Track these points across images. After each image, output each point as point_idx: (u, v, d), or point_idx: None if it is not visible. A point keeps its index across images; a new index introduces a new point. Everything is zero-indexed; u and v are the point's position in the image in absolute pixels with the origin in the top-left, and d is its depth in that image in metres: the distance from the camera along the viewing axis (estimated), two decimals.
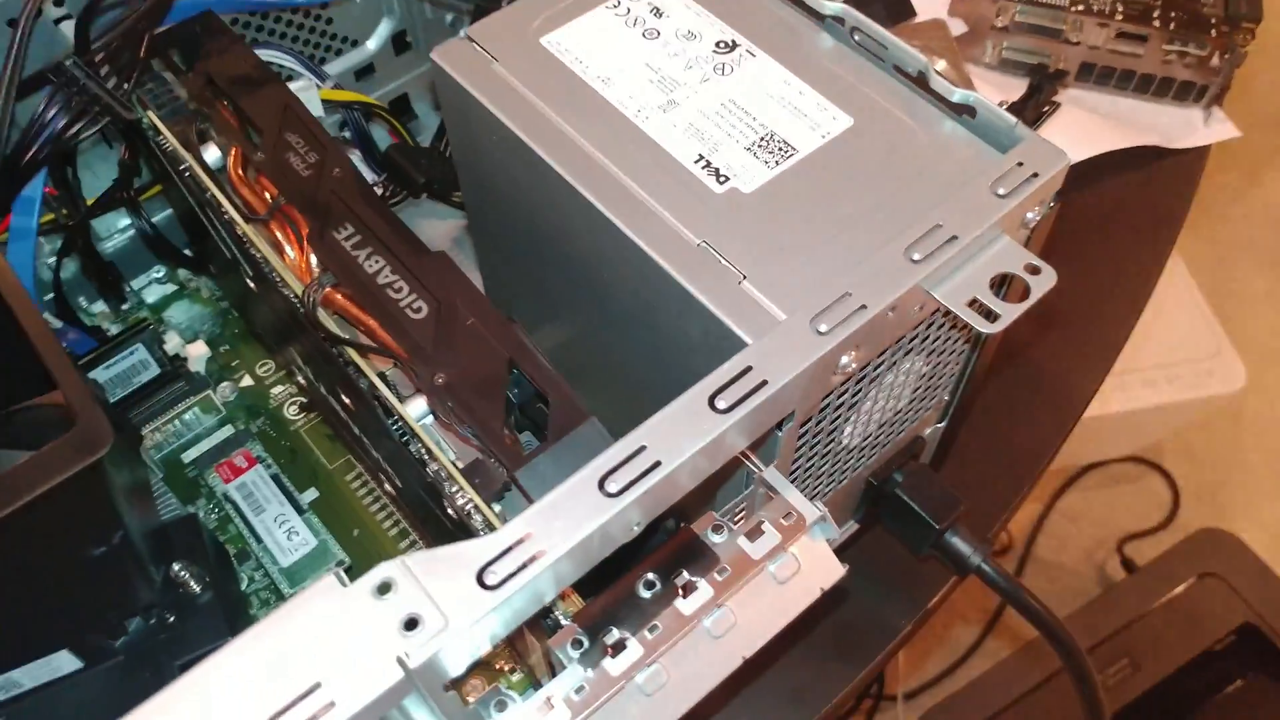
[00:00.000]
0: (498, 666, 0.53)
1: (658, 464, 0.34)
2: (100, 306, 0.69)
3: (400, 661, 0.31)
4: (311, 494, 0.60)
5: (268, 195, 0.50)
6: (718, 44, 0.47)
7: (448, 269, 0.45)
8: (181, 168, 0.51)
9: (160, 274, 0.70)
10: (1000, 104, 0.68)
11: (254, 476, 0.60)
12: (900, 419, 0.49)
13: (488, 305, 0.43)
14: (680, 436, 0.34)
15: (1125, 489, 1.59)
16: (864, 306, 0.37)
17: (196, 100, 0.53)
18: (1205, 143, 0.79)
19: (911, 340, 0.43)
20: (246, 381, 0.65)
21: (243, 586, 0.56)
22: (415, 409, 0.43)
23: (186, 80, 0.54)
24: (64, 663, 0.46)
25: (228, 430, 0.63)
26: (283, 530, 0.57)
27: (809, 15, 0.48)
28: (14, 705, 0.47)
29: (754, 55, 0.47)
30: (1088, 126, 0.78)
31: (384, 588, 0.32)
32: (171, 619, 0.49)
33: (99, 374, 0.60)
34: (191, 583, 0.50)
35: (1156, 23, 0.77)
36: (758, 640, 0.38)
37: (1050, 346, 0.67)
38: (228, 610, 0.51)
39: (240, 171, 0.51)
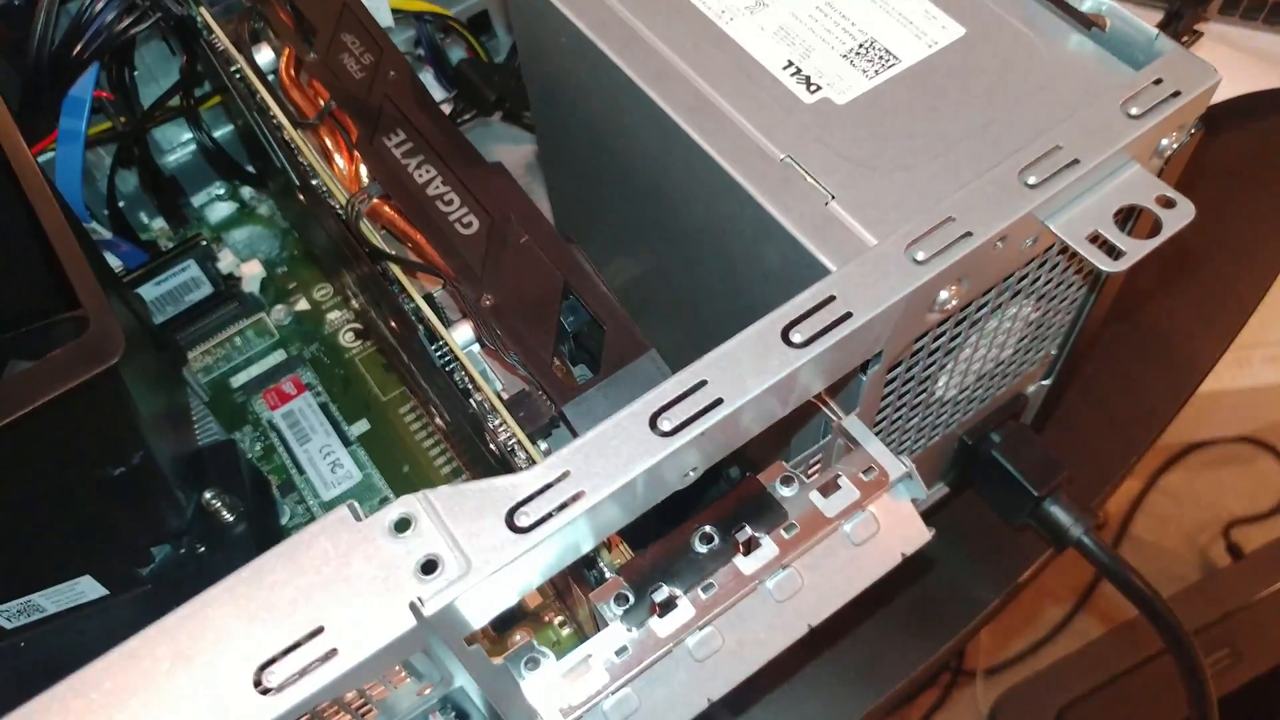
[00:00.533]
0: (546, 619, 0.50)
1: (719, 401, 0.30)
2: (160, 223, 0.67)
3: (413, 608, 0.27)
4: (362, 426, 0.57)
5: (320, 100, 0.46)
6: None
7: (504, 182, 0.41)
8: (233, 69, 0.48)
9: (222, 191, 0.68)
10: None
11: (301, 404, 0.57)
12: (1002, 371, 0.44)
13: (544, 223, 0.39)
14: (747, 372, 0.30)
15: (1235, 470, 1.50)
16: (969, 234, 0.32)
17: None
18: None
19: (1021, 279, 0.37)
20: (302, 305, 0.62)
21: (284, 520, 0.54)
22: (461, 334, 0.39)
23: None
24: (88, 589, 0.44)
25: (280, 355, 0.60)
26: (327, 462, 0.54)
27: None
28: (37, 629, 0.45)
29: None
30: (1231, 62, 0.71)
31: (402, 524, 0.29)
32: (202, 549, 0.47)
33: (147, 290, 0.58)
34: (224, 512, 0.47)
35: None
36: (827, 607, 0.33)
37: (1171, 305, 0.61)
38: (261, 543, 0.48)
39: (292, 73, 0.47)
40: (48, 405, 0.33)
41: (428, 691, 0.34)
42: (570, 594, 0.43)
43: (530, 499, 0.28)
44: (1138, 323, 0.60)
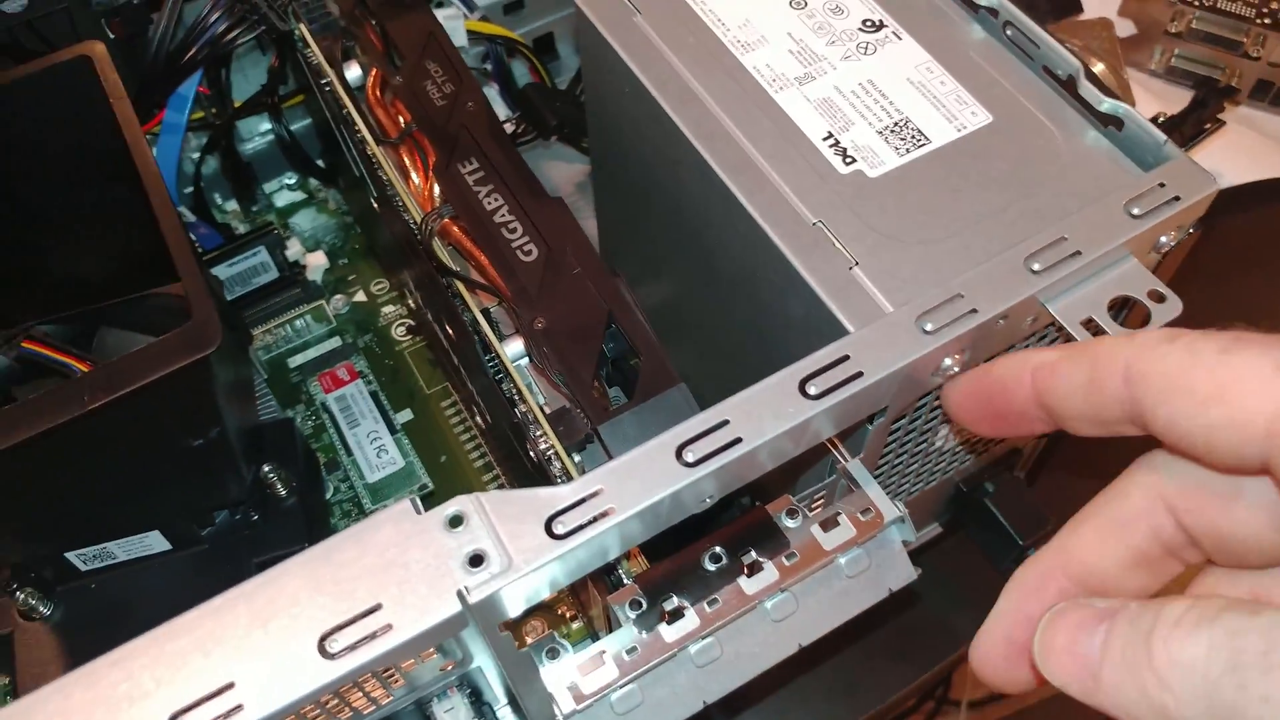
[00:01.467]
0: (559, 611, 0.54)
1: (738, 440, 0.34)
2: (233, 205, 0.71)
3: (460, 595, 0.32)
4: (406, 415, 0.61)
5: (401, 120, 0.50)
6: (864, 22, 0.46)
7: (563, 216, 0.45)
8: (323, 82, 0.52)
9: (292, 181, 0.72)
10: (1159, 116, 0.66)
11: (354, 390, 0.61)
12: None
13: (595, 257, 0.44)
14: (765, 416, 0.34)
15: None
16: (975, 310, 0.36)
17: (347, 18, 0.54)
18: None
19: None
20: (360, 297, 0.67)
21: (328, 495, 0.58)
22: (512, 349, 0.44)
23: None
24: (155, 542, 0.48)
25: (335, 342, 0.65)
26: (373, 447, 0.59)
27: (963, 3, 0.46)
28: (106, 573, 0.49)
29: (899, 38, 0.45)
30: (1254, 149, 0.74)
31: (456, 520, 0.33)
32: (256, 517, 0.51)
33: (221, 270, 0.62)
34: (279, 485, 0.52)
35: None
36: (817, 630, 0.38)
37: None
38: (309, 517, 0.52)
39: (378, 93, 0.51)
40: (150, 385, 0.38)
41: (450, 668, 0.38)
42: (584, 591, 0.48)
43: (567, 509, 0.33)
44: None
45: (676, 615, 0.36)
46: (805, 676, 0.55)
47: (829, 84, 0.44)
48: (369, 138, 0.49)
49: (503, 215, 0.45)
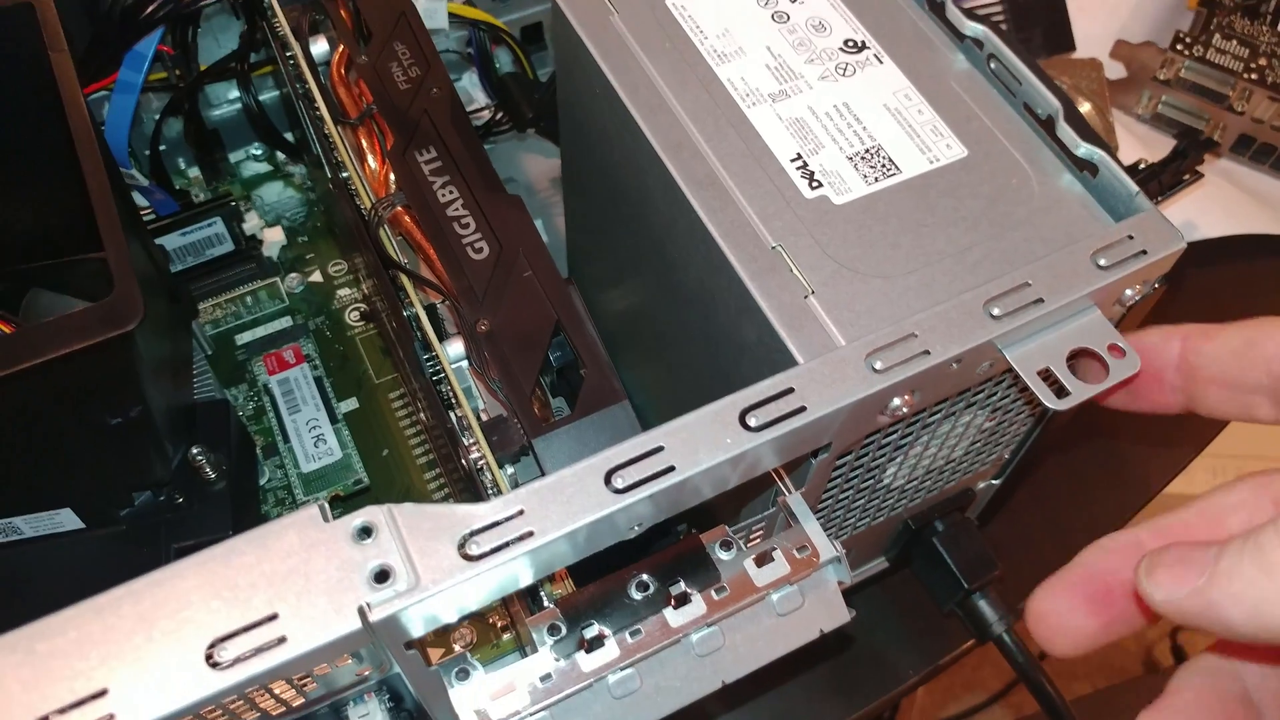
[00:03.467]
0: (491, 620, 0.52)
1: (671, 469, 0.32)
2: (196, 172, 0.69)
3: (361, 612, 0.30)
4: (351, 404, 0.59)
5: (365, 101, 0.49)
6: (846, 42, 0.45)
7: (519, 215, 0.43)
8: (288, 54, 0.50)
9: (259, 152, 0.70)
10: (1140, 162, 0.65)
11: (298, 374, 0.59)
12: (952, 469, 0.47)
13: (549, 260, 0.42)
14: (701, 445, 0.33)
15: None
16: (927, 352, 0.34)
17: None
18: None
19: (976, 394, 0.40)
20: (316, 277, 0.65)
21: (262, 481, 0.56)
22: (454, 350, 0.42)
23: None
24: (66, 520, 0.46)
25: (285, 321, 0.63)
26: (312, 435, 0.57)
27: (949, 31, 0.45)
28: (12, 549, 0.47)
29: (880, 61, 0.44)
30: (1230, 202, 0.73)
31: (364, 532, 0.31)
32: (181, 500, 0.49)
33: (173, 239, 0.60)
34: (207, 469, 0.50)
35: None
36: (743, 667, 0.36)
37: (1136, 426, 0.64)
38: (237, 503, 0.51)
39: (342, 71, 0.50)
40: (60, 359, 0.36)
41: (366, 673, 0.36)
42: (515, 604, 0.46)
43: (483, 530, 0.31)
44: (1102, 437, 0.63)
45: (596, 643, 0.35)
46: (741, 711, 0.53)
47: (803, 103, 0.43)
48: (326, 116, 0.47)
49: (456, 209, 0.43)
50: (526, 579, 0.32)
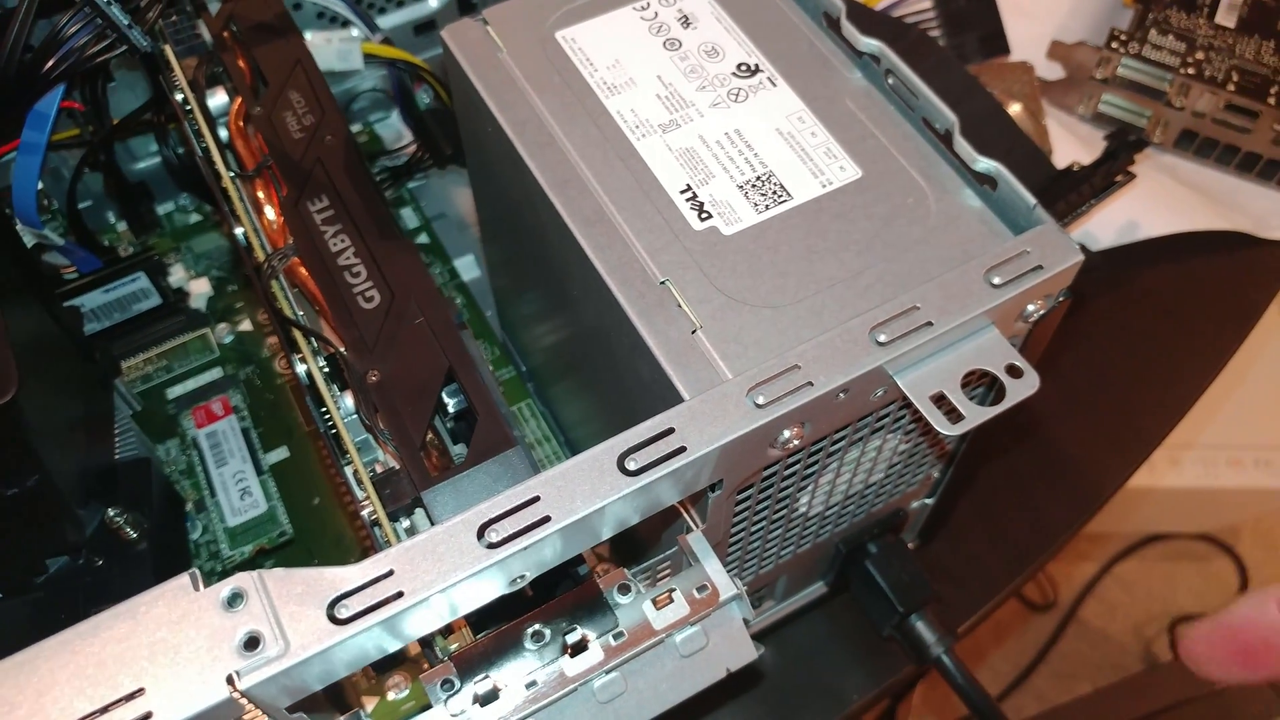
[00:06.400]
0: (424, 667, 0.51)
1: (547, 519, 0.32)
2: (125, 226, 0.69)
3: (230, 680, 0.29)
4: (281, 453, 0.58)
5: (262, 153, 0.48)
6: (739, 66, 0.44)
7: (412, 260, 0.43)
8: (186, 108, 0.50)
9: (187, 202, 0.70)
10: (1073, 165, 0.64)
11: (225, 426, 0.59)
12: (874, 491, 0.46)
13: (442, 305, 0.41)
14: (578, 493, 0.32)
15: (1189, 567, 1.50)
16: (810, 384, 0.34)
17: (216, 41, 0.51)
18: None
19: (881, 419, 0.39)
20: (245, 326, 0.64)
21: (195, 536, 0.55)
22: (349, 402, 0.41)
23: (210, 19, 0.52)
24: None
25: (216, 373, 0.62)
26: (238, 488, 0.56)
27: (847, 49, 0.44)
28: None
29: (774, 85, 0.43)
30: (1175, 199, 0.72)
31: (234, 599, 0.31)
32: (100, 562, 0.48)
33: (95, 296, 0.60)
34: (127, 529, 0.49)
35: (1272, 100, 0.71)
36: (646, 712, 0.35)
37: (1080, 429, 0.63)
38: (163, 561, 0.50)
39: (240, 123, 0.49)
40: None
41: None
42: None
43: (354, 592, 0.30)
44: (1043, 443, 0.62)
45: (490, 698, 0.34)
46: None
47: (694, 132, 0.42)
48: (222, 170, 0.46)
49: (347, 258, 0.43)
50: (402, 638, 0.31)
